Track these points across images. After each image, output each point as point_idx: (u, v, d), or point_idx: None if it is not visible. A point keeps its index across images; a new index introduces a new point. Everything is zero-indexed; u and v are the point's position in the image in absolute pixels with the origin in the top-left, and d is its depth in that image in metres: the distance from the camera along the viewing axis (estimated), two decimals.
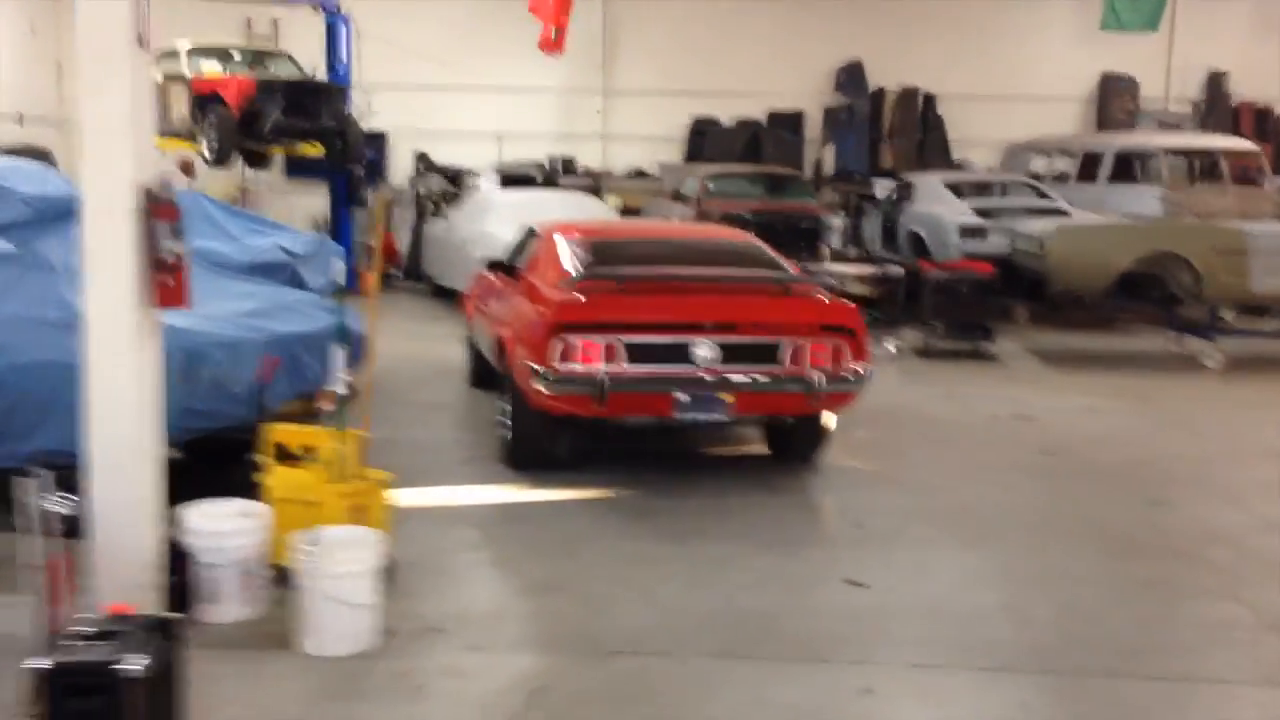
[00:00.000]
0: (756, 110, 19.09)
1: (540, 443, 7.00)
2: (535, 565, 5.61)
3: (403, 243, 18.40)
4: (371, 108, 16.54)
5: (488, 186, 17.17)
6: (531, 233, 8.20)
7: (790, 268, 7.35)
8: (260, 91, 13.81)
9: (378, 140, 19.45)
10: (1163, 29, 18.05)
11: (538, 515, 6.34)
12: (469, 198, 15.83)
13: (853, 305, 6.96)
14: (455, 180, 18.88)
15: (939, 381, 10.67)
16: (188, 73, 14.56)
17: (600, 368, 6.41)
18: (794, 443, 7.43)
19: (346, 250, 17.00)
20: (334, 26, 16.41)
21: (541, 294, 6.86)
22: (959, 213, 13.71)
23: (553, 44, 16.50)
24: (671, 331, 6.54)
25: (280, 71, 15.23)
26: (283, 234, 9.28)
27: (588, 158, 19.37)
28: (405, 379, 10.21)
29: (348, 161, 15.20)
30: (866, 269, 13.09)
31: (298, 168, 17.64)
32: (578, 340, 6.43)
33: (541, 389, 6.44)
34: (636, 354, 6.49)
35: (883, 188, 16.43)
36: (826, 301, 6.86)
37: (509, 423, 7.04)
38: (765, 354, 6.63)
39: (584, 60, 19.19)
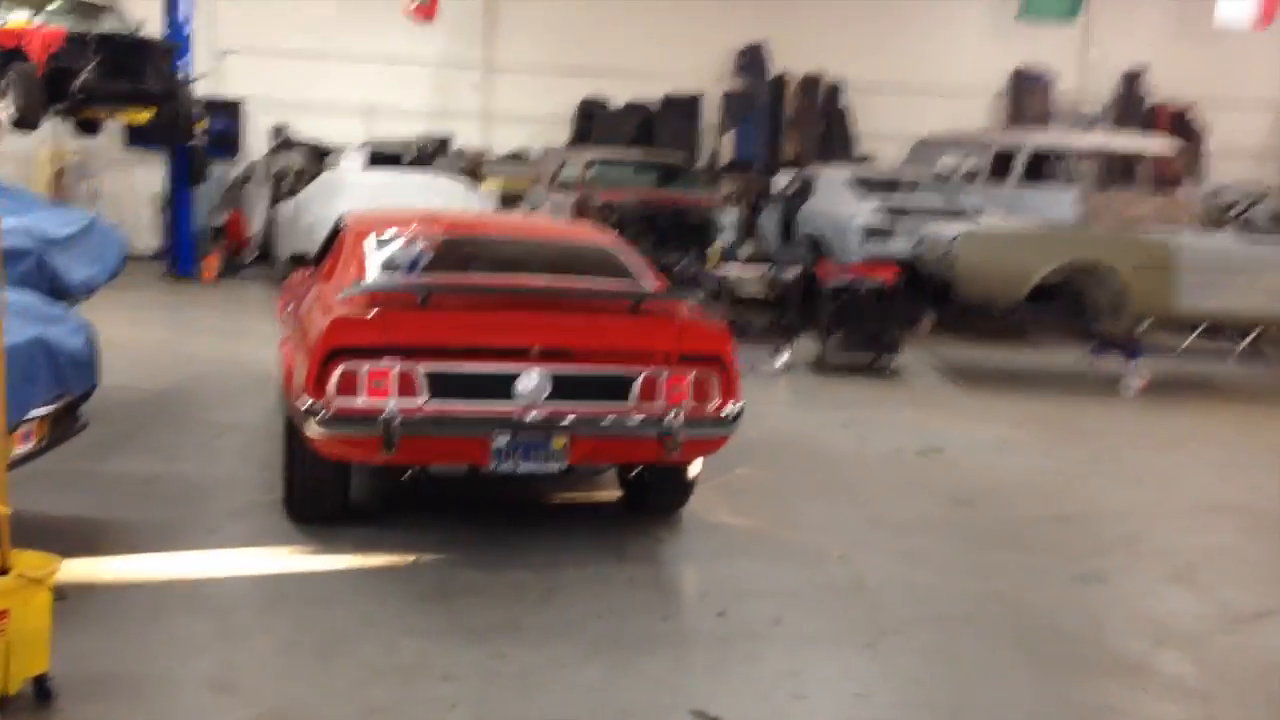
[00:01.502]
0: (651, 93, 17.64)
1: (324, 494, 5.48)
2: (271, 682, 4.09)
3: (255, 225, 16.65)
4: (198, 71, 14.67)
5: (348, 165, 15.53)
6: (339, 224, 6.63)
7: (650, 278, 5.91)
8: (69, 45, 11.95)
9: (231, 109, 17.63)
10: (1079, 24, 17.03)
11: (305, 595, 4.82)
12: (321, 177, 14.14)
13: (721, 328, 5.54)
14: (318, 157, 17.17)
15: (835, 403, 9.35)
16: None
17: (390, 403, 4.91)
18: (651, 493, 6.01)
19: (184, 232, 15.34)
20: None
21: (325, 307, 5.32)
22: (862, 212, 12.42)
23: (421, 9, 14.88)
24: (488, 358, 5.06)
25: (109, 29, 13.35)
26: (42, 213, 7.61)
27: (467, 138, 17.74)
28: (209, 390, 8.61)
29: (176, 131, 13.38)
30: (757, 270, 11.73)
31: (140, 137, 15.77)
32: (362, 368, 4.91)
33: (313, 430, 4.91)
34: (442, 386, 5.00)
35: (784, 181, 15.11)
36: (689, 323, 5.42)
37: (286, 467, 5.51)
38: (610, 388, 5.19)
39: (462, 31, 17.57)
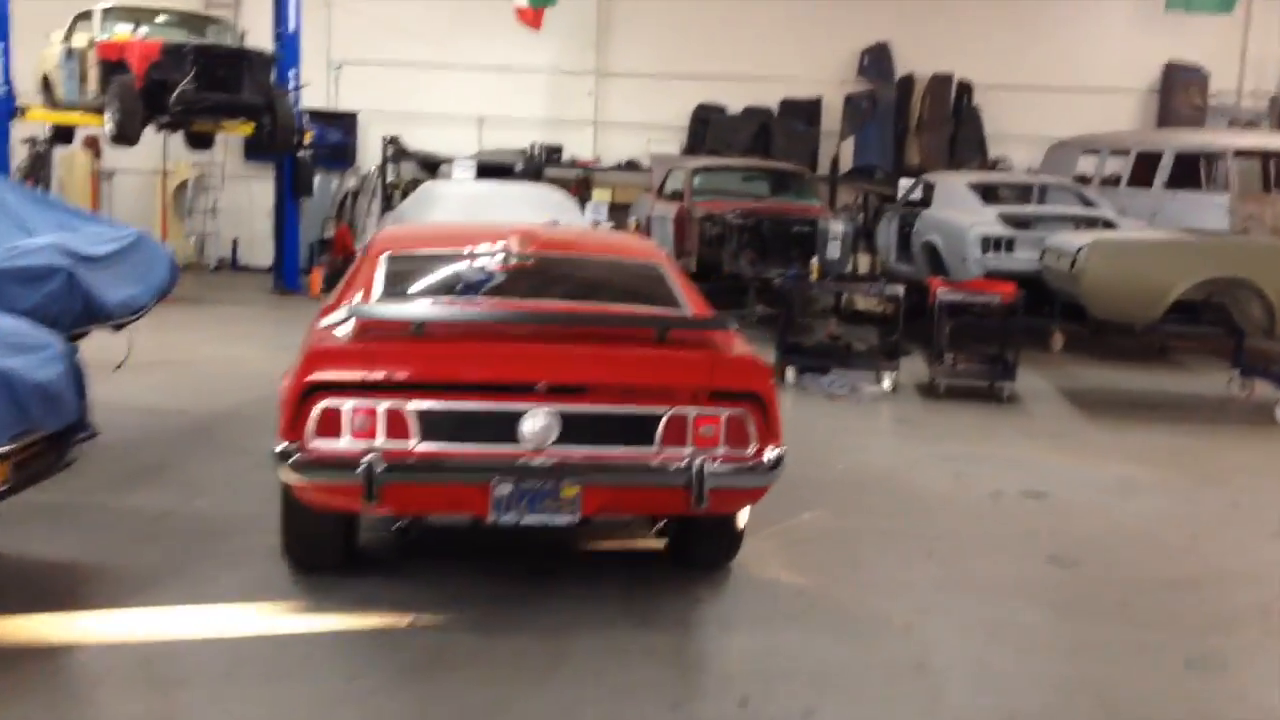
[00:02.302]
0: (769, 97, 16.82)
1: (324, 542, 4.95)
2: None
3: (366, 238, 16.50)
4: (309, 82, 14.51)
5: (458, 175, 15.21)
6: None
7: (694, 303, 5.21)
8: (166, 57, 11.86)
9: (346, 121, 17.55)
10: (1237, 13, 15.55)
11: (274, 665, 4.27)
12: (419, 188, 13.81)
13: (761, 363, 4.79)
14: (431, 168, 16.95)
15: (938, 433, 8.47)
16: (98, 37, 12.67)
17: (375, 445, 4.34)
18: (693, 544, 5.31)
19: (291, 245, 15.22)
20: None
21: (311, 335, 4.79)
22: (982, 220, 11.43)
23: (527, 16, 14.44)
24: (489, 395, 4.45)
25: (212, 40, 13.29)
26: (84, 229, 7.35)
27: (579, 146, 17.26)
28: (267, 415, 8.19)
29: (276, 143, 13.19)
30: (862, 285, 10.90)
31: (256, 151, 15.77)
32: (345, 405, 4.36)
33: (288, 475, 4.38)
34: (435, 427, 4.41)
35: (906, 187, 14.16)
36: (723, 355, 4.70)
37: (283, 513, 4.99)
38: (629, 429, 4.52)
39: (575, 38, 17.06)
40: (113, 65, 12.20)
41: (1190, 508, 6.84)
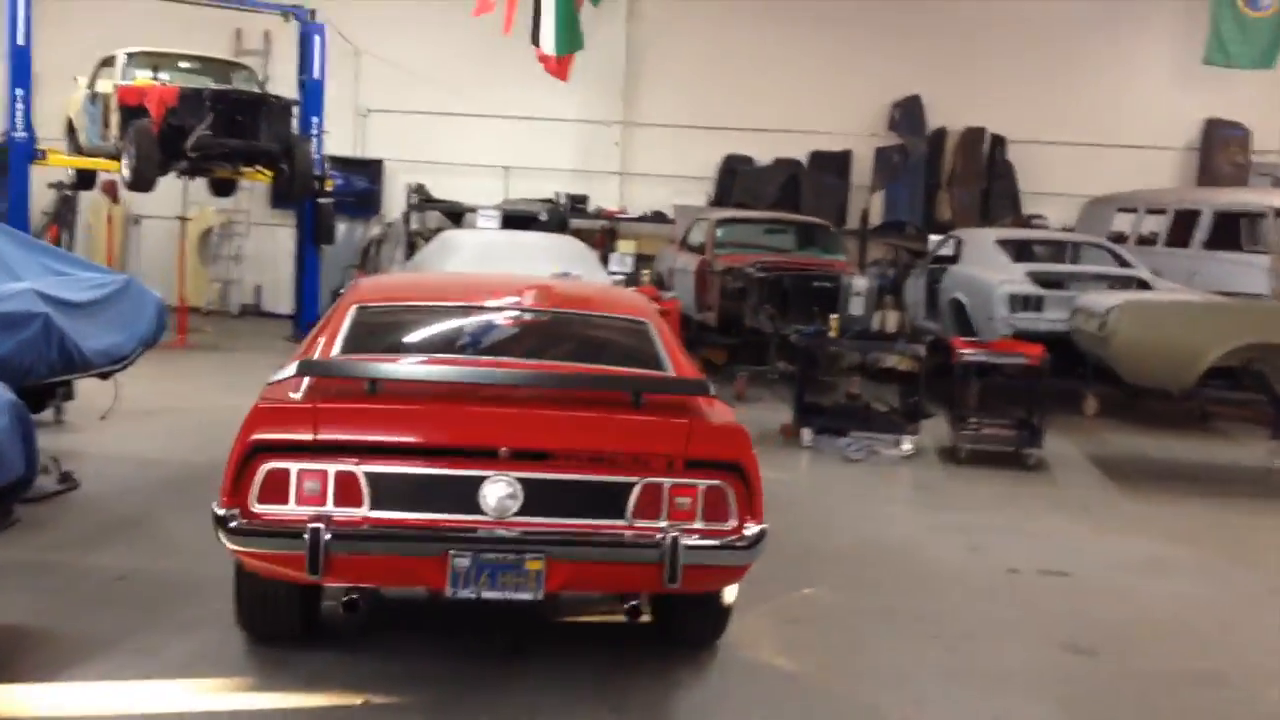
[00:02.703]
0: (798, 149, 16.57)
1: (278, 610, 4.63)
2: None
3: None
4: (337, 129, 14.42)
5: (482, 224, 15.03)
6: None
7: (679, 364, 4.87)
8: (184, 102, 11.75)
9: (372, 168, 17.47)
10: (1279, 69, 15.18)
11: None
12: (437, 237, 13.62)
13: (743, 431, 4.44)
14: (455, 216, 16.81)
15: (957, 502, 8.06)
16: (120, 82, 12.62)
17: (323, 512, 4.03)
18: (676, 620, 4.94)
19: (310, 292, 15.06)
20: (307, 37, 14.47)
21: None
22: (1010, 278, 11.04)
23: (552, 66, 14.26)
24: (447, 460, 4.13)
25: (245, 87, 13.22)
26: (71, 274, 7.15)
27: (605, 197, 17.06)
28: None
29: (294, 189, 13.05)
30: (881, 343, 10.52)
31: (281, 198, 15.67)
32: (291, 468, 4.05)
33: (227, 541, 4.08)
34: (389, 493, 4.10)
35: (935, 243, 13.80)
36: (701, 422, 4.35)
37: (236, 577, 4.68)
38: (599, 500, 4.19)
39: (603, 88, 16.89)
40: (132, 110, 12.11)
41: (1224, 592, 6.39)
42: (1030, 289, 10.84)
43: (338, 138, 17.28)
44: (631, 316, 5.24)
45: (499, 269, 10.85)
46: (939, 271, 12.54)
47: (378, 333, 4.90)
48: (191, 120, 11.78)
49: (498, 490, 4.11)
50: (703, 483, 4.23)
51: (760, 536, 4.25)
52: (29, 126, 12.88)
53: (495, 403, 4.22)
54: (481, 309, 5.12)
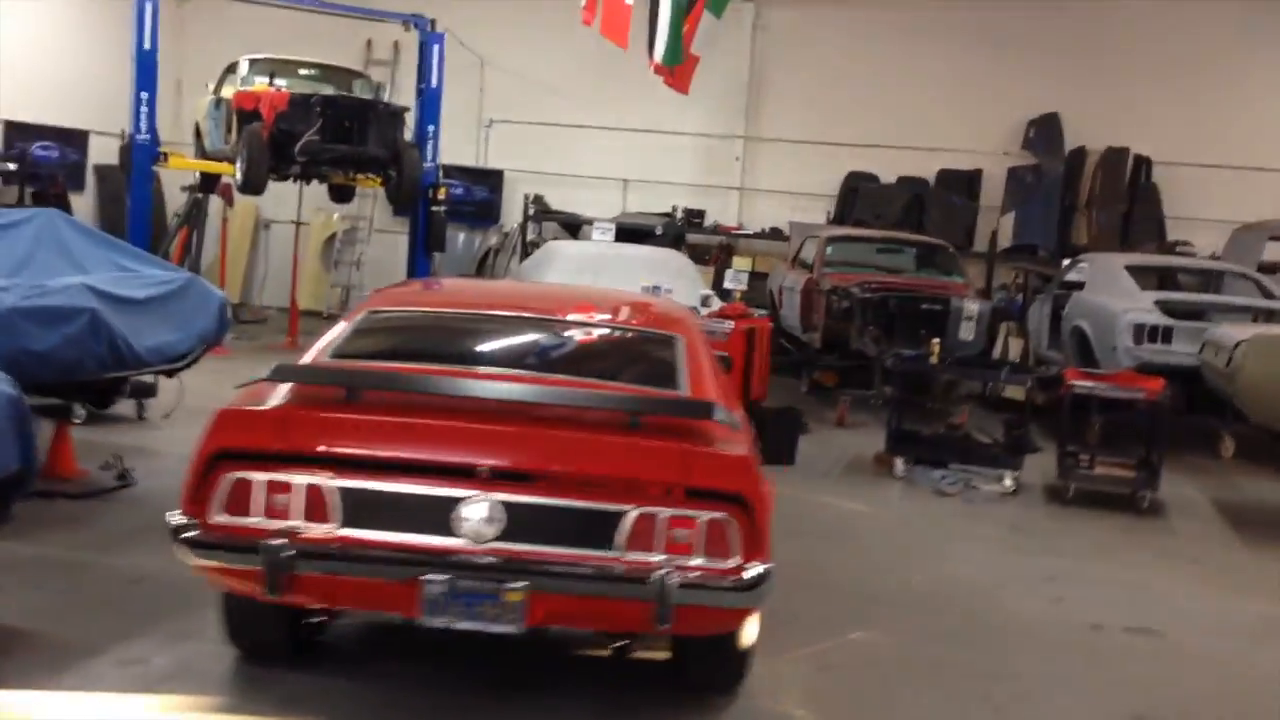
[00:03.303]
0: (925, 168, 15.89)
1: (262, 624, 4.39)
2: None
3: None
4: (463, 140, 14.39)
5: (598, 237, 14.83)
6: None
7: (692, 383, 4.45)
8: (294, 107, 11.85)
9: (493, 179, 17.49)
10: None
11: None
12: (541, 248, 13.47)
13: (750, 460, 4.00)
14: (572, 228, 16.67)
15: (1051, 546, 7.42)
16: (239, 87, 12.84)
17: (288, 527, 3.77)
18: (689, 663, 4.53)
19: None
20: (426, 46, 14.49)
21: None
22: (1136, 307, 10.24)
23: (670, 78, 13.95)
24: (424, 478, 3.82)
25: (361, 95, 13.31)
26: (146, 270, 7.18)
27: (723, 212, 16.68)
28: None
29: (401, 196, 13.05)
30: (982, 371, 9.86)
31: (394, 204, 15.76)
32: (257, 478, 3.80)
33: (182, 554, 3.84)
34: (360, 509, 3.81)
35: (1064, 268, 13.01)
36: (702, 449, 3.93)
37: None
38: (587, 529, 3.82)
39: (725, 102, 16.54)
40: (247, 114, 12.29)
41: None
42: (1157, 319, 10.03)
43: (460, 148, 17.40)
44: (661, 332, 4.85)
45: (597, 281, 10.67)
46: (1064, 298, 11.78)
47: (380, 339, 4.64)
48: (301, 125, 11.87)
49: (476, 512, 3.79)
50: (703, 514, 3.82)
51: (763, 578, 3.81)
52: (153, 129, 13.17)
53: (480, 418, 3.88)
54: (496, 319, 4.81)
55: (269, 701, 4.21)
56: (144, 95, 12.96)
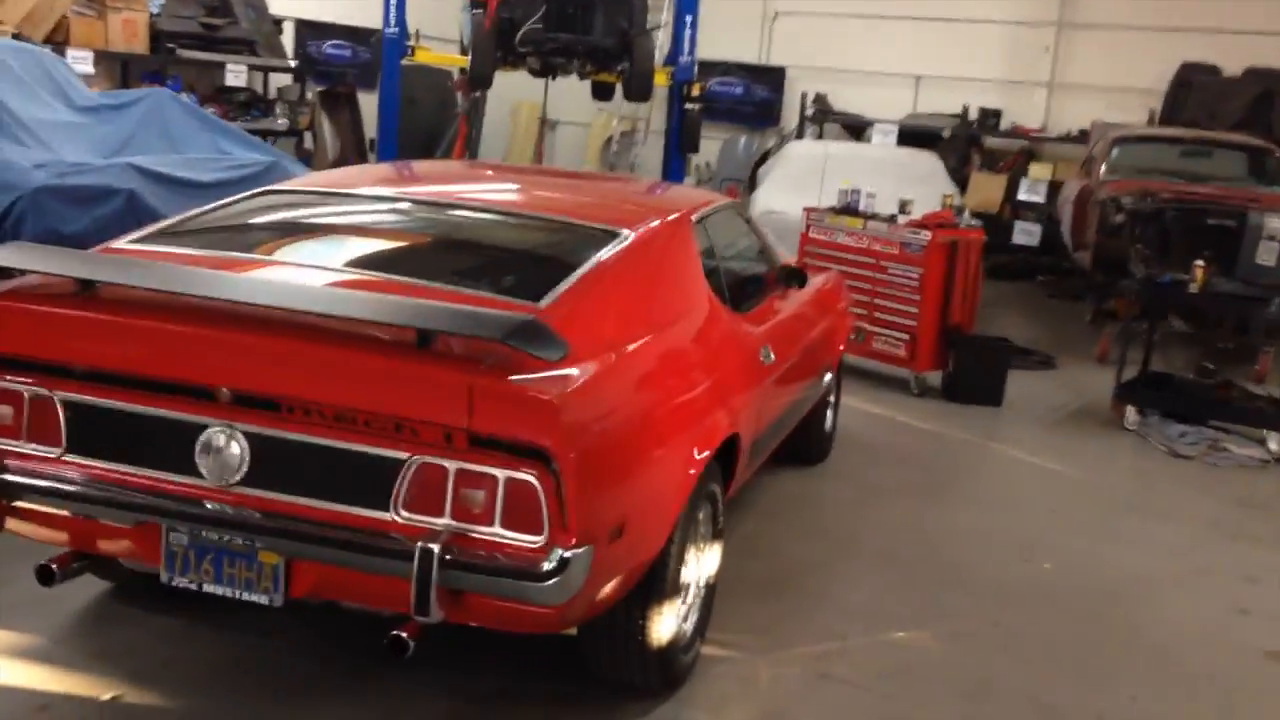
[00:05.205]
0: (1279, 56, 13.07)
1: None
2: None
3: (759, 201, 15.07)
4: (695, 25, 13.15)
5: (878, 140, 13.35)
6: None
7: (569, 295, 3.22)
8: None
9: (775, 77, 16.22)
10: None
11: None
12: (780, 150, 12.18)
13: (554, 401, 2.74)
14: (856, 130, 15.16)
15: (1278, 536, 5.56)
16: None
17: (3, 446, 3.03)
18: (590, 656, 3.43)
19: None
20: None
21: None
22: None
23: None
24: (159, 397, 2.94)
25: None
26: (238, 152, 6.82)
27: (1026, 113, 14.54)
28: None
29: (632, 91, 12.08)
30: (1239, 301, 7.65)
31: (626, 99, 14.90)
32: None
33: None
34: (87, 431, 3.01)
35: None
36: (499, 382, 2.75)
37: None
38: (360, 480, 2.82)
39: None
40: (476, 3, 11.80)
41: None
42: None
43: (743, 44, 16.27)
44: (596, 227, 3.66)
45: (829, 185, 9.49)
46: None
47: (231, 220, 3.75)
48: (523, 13, 11.21)
49: (214, 443, 2.88)
50: (503, 472, 2.72)
51: (564, 566, 2.67)
52: (402, 23, 12.95)
53: (238, 327, 2.91)
54: (389, 208, 3.82)
55: (79, 654, 3.54)
56: None
